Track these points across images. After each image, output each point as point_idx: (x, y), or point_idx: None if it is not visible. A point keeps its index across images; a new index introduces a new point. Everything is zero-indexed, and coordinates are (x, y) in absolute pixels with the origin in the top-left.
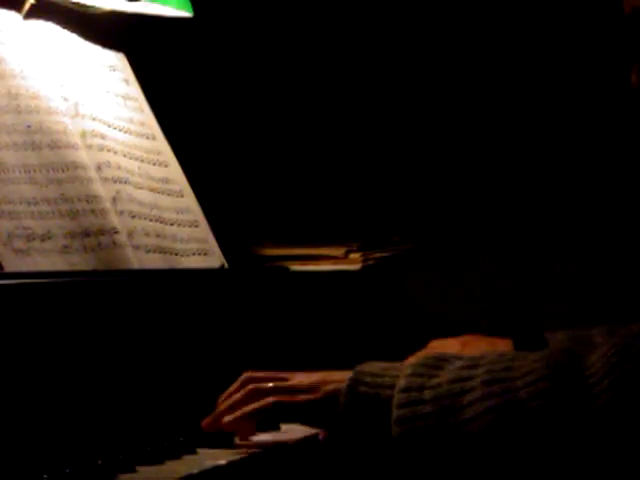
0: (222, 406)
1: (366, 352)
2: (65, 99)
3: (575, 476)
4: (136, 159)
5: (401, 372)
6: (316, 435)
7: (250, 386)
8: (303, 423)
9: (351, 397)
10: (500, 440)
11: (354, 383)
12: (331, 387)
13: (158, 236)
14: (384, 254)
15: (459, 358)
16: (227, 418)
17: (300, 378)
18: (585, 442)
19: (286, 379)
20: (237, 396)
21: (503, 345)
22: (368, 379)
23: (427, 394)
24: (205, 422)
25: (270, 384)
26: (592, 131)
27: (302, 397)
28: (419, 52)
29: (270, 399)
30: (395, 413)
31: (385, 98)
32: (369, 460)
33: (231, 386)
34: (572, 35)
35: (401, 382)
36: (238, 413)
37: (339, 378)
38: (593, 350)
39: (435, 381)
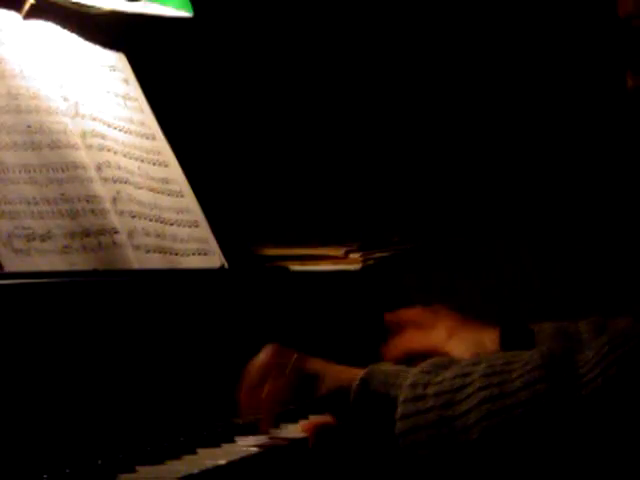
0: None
1: (366, 352)
2: (65, 99)
3: (566, 465)
4: (136, 159)
5: (411, 372)
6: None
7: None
8: (316, 413)
9: (362, 393)
10: (494, 431)
11: (367, 379)
12: (345, 381)
13: (158, 236)
14: (384, 254)
15: (465, 359)
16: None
17: (318, 366)
18: (572, 431)
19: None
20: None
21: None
22: (381, 377)
23: (430, 390)
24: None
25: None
26: (589, 135)
27: (317, 393)
28: (419, 53)
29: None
30: (400, 409)
31: (385, 98)
32: (373, 458)
33: (259, 357)
34: (569, 39)
35: (408, 380)
36: (266, 414)
37: (355, 372)
38: (582, 347)
39: (439, 378)
